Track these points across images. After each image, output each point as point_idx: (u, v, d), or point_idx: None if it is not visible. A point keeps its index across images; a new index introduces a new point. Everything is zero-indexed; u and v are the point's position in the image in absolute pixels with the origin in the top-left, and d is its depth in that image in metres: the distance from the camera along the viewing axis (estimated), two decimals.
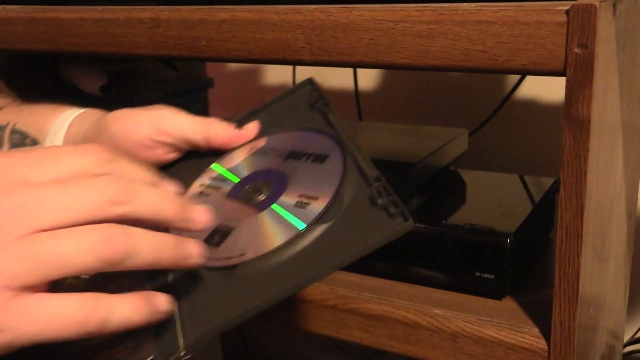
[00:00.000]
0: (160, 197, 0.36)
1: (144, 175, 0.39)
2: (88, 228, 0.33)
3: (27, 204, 0.33)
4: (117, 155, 0.38)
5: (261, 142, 0.50)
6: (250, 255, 0.42)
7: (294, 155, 0.48)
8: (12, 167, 0.35)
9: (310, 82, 0.52)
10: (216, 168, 0.50)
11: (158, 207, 0.36)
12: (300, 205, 0.43)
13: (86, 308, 0.33)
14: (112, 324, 0.34)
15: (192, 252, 0.38)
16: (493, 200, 0.66)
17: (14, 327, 0.32)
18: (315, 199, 0.43)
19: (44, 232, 0.33)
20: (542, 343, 0.49)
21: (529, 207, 0.61)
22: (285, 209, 0.44)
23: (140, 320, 0.35)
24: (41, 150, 0.37)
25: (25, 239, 0.33)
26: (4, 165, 0.35)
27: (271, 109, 0.53)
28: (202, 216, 0.39)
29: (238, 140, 0.50)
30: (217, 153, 0.51)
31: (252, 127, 0.51)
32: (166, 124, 0.50)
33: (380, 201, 0.41)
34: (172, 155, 0.52)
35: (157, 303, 0.37)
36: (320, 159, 0.46)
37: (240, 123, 0.51)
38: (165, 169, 0.51)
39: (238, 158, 0.50)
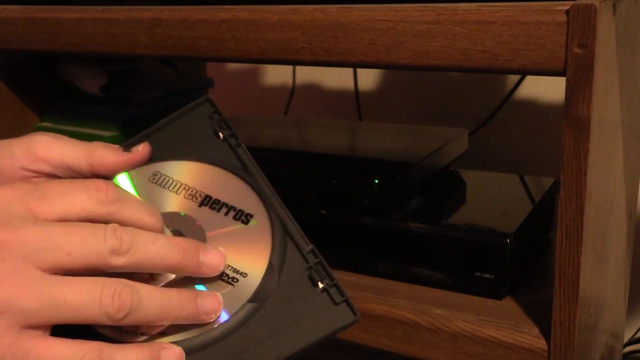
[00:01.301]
0: (163, 244, 0.36)
1: (149, 218, 0.38)
2: (98, 281, 0.34)
3: (31, 242, 0.34)
4: (122, 194, 0.38)
5: (161, 168, 0.44)
6: (172, 335, 0.37)
7: (210, 203, 0.41)
8: (18, 199, 0.36)
9: (207, 100, 0.46)
10: None
11: (161, 256, 0.36)
12: (227, 279, 0.38)
13: (86, 358, 0.33)
14: None
15: (206, 307, 0.37)
16: (493, 200, 0.66)
17: None
18: (244, 275, 0.38)
19: (56, 276, 0.34)
20: (542, 343, 0.48)
21: (529, 207, 0.61)
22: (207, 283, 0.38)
23: None
24: (49, 183, 0.37)
25: (37, 280, 0.33)
26: (10, 197, 0.36)
27: (166, 131, 0.46)
28: (213, 260, 0.38)
29: (127, 165, 0.44)
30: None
31: (141, 149, 0.45)
32: (42, 151, 0.44)
33: (321, 283, 0.38)
34: None
35: (164, 357, 0.36)
36: (243, 217, 0.40)
37: (128, 146, 0.45)
38: None
39: (135, 186, 0.44)
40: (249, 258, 0.39)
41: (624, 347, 0.85)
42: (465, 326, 0.51)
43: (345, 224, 0.60)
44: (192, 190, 0.42)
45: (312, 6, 0.51)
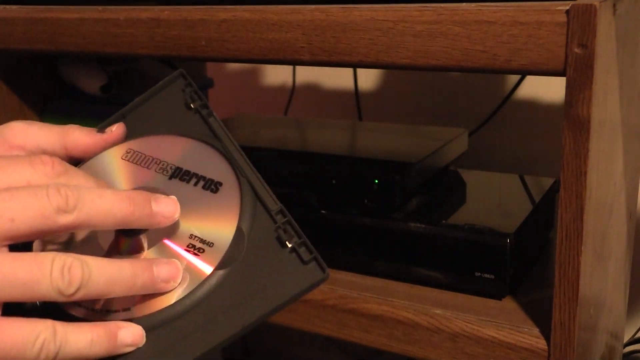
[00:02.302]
0: (110, 197, 0.35)
1: (96, 184, 0.38)
2: (47, 256, 0.33)
3: None
4: (68, 167, 0.37)
5: (134, 145, 0.44)
6: (136, 312, 0.36)
7: (180, 175, 0.41)
8: None
9: (181, 74, 0.46)
10: None
11: (109, 209, 0.35)
12: (194, 249, 0.38)
13: (40, 338, 0.33)
14: (66, 356, 0.33)
15: (163, 275, 0.36)
16: (493, 200, 0.66)
17: None
18: (210, 244, 0.38)
19: (5, 252, 0.33)
20: (542, 343, 0.49)
21: (529, 207, 0.61)
22: (178, 247, 0.38)
23: (98, 353, 0.34)
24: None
25: None
26: None
27: (140, 110, 0.46)
28: (167, 207, 0.37)
29: (101, 145, 0.44)
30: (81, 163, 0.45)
31: (115, 129, 0.44)
32: (16, 137, 0.43)
33: (289, 243, 0.37)
34: None
35: (122, 336, 0.35)
36: (212, 186, 0.40)
37: (103, 127, 0.45)
38: None
39: (108, 164, 0.43)
40: (217, 226, 0.38)
41: (624, 347, 0.85)
42: (465, 326, 0.51)
43: (345, 224, 0.60)
44: (162, 164, 0.42)
45: (312, 6, 0.51)
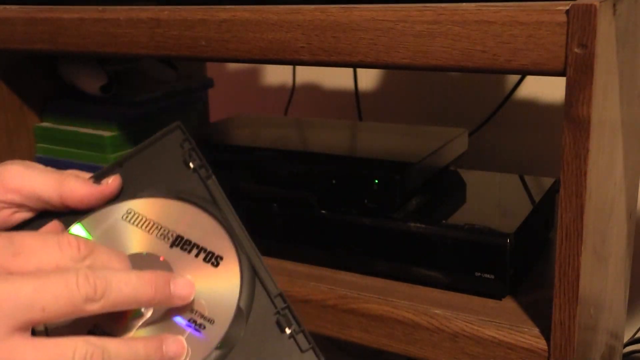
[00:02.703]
0: (135, 283, 0.37)
1: (120, 265, 0.39)
2: (69, 345, 0.34)
3: (6, 299, 0.34)
4: (92, 248, 0.38)
5: (135, 206, 0.43)
6: None
7: (181, 244, 0.41)
8: None
9: (178, 127, 0.45)
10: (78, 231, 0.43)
11: (134, 295, 0.37)
12: (195, 326, 0.38)
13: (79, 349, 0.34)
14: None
15: (171, 353, 0.38)
16: (493, 200, 0.66)
17: None
18: (211, 322, 0.38)
19: (28, 340, 0.34)
20: (542, 343, 0.48)
21: (529, 207, 0.61)
22: (181, 321, 0.39)
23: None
24: (23, 237, 0.37)
25: (7, 344, 0.33)
26: None
27: (137, 160, 0.46)
28: (183, 291, 0.39)
29: (97, 198, 0.44)
30: (76, 213, 0.44)
31: (111, 182, 0.44)
32: (13, 181, 0.43)
33: (288, 329, 0.37)
34: (22, 215, 0.45)
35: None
36: (213, 259, 0.40)
37: (99, 177, 0.45)
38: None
39: (108, 224, 0.43)
40: (217, 303, 0.39)
41: (624, 347, 0.85)
42: (465, 326, 0.51)
43: (345, 224, 0.60)
44: (164, 230, 0.42)
45: (312, 6, 0.51)
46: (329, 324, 0.57)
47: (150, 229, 0.42)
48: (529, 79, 0.89)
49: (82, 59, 0.80)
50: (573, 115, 0.42)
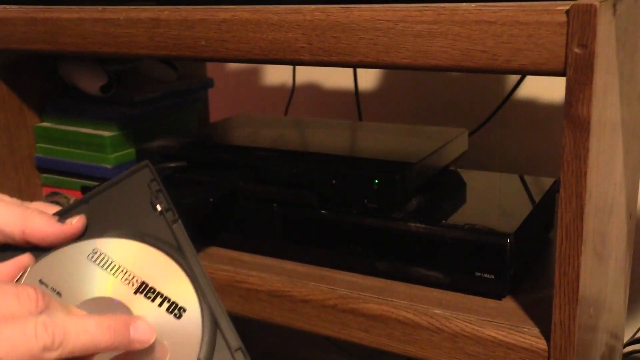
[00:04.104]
0: (93, 331, 0.37)
1: (77, 316, 0.39)
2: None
3: None
4: (51, 303, 0.37)
5: (101, 245, 0.43)
6: None
7: (145, 291, 0.41)
8: None
9: (147, 165, 0.44)
10: (35, 275, 0.42)
11: (92, 342, 0.37)
12: None
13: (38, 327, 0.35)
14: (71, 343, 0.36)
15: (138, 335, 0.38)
16: (493, 200, 0.66)
17: None
18: None
19: None
20: (542, 343, 0.48)
21: (529, 207, 0.61)
22: None
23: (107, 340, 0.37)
24: None
25: None
26: None
27: (104, 197, 0.45)
28: (144, 336, 0.38)
29: (59, 237, 0.43)
30: (38, 249, 0.44)
31: (75, 222, 0.44)
32: None
33: None
34: None
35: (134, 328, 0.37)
36: (176, 311, 0.40)
37: (64, 214, 0.44)
38: None
39: (73, 263, 0.42)
40: (178, 356, 0.38)
41: (624, 347, 0.85)
42: (465, 326, 0.51)
43: (345, 224, 0.60)
44: (128, 275, 0.41)
45: (312, 6, 0.51)
46: (329, 324, 0.57)
47: (116, 272, 0.41)
48: (529, 79, 0.89)
49: (82, 59, 0.80)
50: (573, 115, 0.42)
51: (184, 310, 0.39)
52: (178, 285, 0.40)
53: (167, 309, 0.40)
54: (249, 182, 0.64)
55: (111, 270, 0.41)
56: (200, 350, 0.38)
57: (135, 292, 0.40)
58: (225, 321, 0.39)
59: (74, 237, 0.44)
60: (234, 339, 0.39)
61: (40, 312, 0.37)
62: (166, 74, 0.88)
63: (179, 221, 0.43)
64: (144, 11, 0.58)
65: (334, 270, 0.61)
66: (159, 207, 0.43)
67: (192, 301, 0.40)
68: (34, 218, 0.43)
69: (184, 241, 0.42)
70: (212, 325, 0.39)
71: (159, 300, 0.40)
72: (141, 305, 0.40)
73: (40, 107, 0.83)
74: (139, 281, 0.41)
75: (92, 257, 0.42)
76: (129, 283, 0.41)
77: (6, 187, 0.79)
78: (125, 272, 0.41)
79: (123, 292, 0.41)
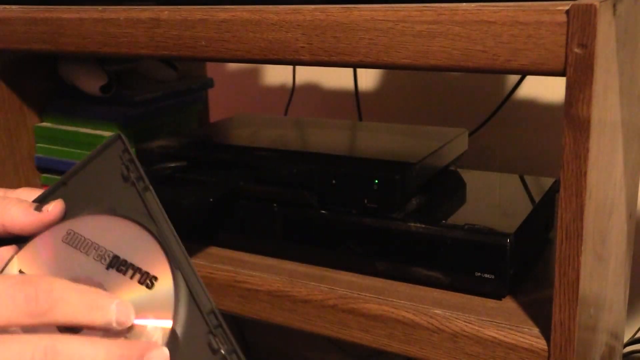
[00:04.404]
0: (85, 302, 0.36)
1: (88, 317, 0.37)
2: (26, 341, 0.33)
3: None
4: (56, 297, 0.36)
5: (75, 226, 0.42)
6: None
7: (117, 265, 0.40)
8: None
9: (119, 137, 0.43)
10: (14, 267, 0.42)
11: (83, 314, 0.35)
12: None
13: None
14: None
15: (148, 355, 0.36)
16: (493, 200, 0.66)
17: None
18: None
19: None
20: (542, 343, 0.48)
21: (529, 207, 0.61)
22: None
23: None
24: None
25: None
26: None
27: (81, 177, 0.44)
28: (123, 317, 0.37)
29: (38, 226, 0.43)
30: (18, 239, 0.43)
31: (52, 209, 0.43)
32: None
33: (222, 350, 0.36)
34: None
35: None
36: (148, 280, 0.39)
37: (44, 200, 0.43)
38: None
39: (50, 246, 0.42)
40: (152, 327, 0.38)
41: (624, 347, 0.85)
42: (465, 326, 0.51)
43: (345, 224, 0.60)
44: (101, 250, 0.41)
45: (312, 6, 0.51)
46: (329, 324, 0.57)
47: (88, 250, 0.41)
48: (529, 79, 0.89)
49: (82, 59, 0.80)
50: (573, 115, 0.42)
51: (156, 279, 0.39)
52: (149, 254, 0.40)
53: (139, 280, 0.39)
54: (249, 182, 0.64)
55: (84, 249, 0.41)
56: (173, 320, 0.38)
57: (108, 268, 0.40)
58: (198, 285, 0.38)
59: (53, 224, 0.43)
60: (207, 302, 0.38)
61: (42, 314, 0.35)
62: (166, 74, 0.88)
63: (151, 189, 0.42)
64: (144, 11, 0.58)
65: (334, 270, 0.61)
66: (129, 178, 0.42)
67: (164, 269, 0.39)
68: (10, 209, 0.43)
69: (155, 208, 0.41)
70: (185, 291, 0.38)
71: (130, 272, 0.39)
72: (114, 281, 0.39)
73: (40, 107, 0.83)
74: (111, 255, 0.40)
75: (67, 238, 0.42)
76: (101, 259, 0.40)
77: (6, 187, 0.79)
78: (98, 248, 0.41)
79: (96, 270, 0.40)
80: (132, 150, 0.43)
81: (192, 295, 0.38)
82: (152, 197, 0.41)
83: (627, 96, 0.56)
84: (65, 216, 0.43)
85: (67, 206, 0.43)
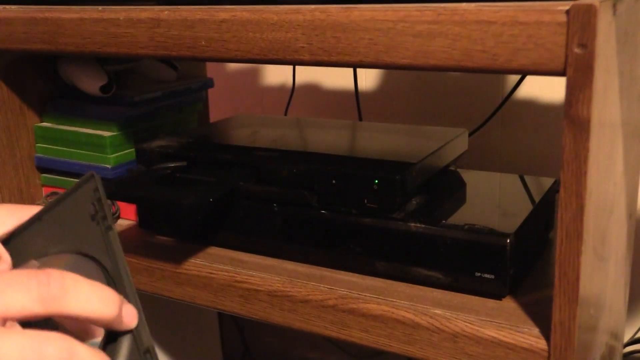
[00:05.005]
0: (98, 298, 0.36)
1: (98, 305, 0.37)
2: (34, 336, 0.33)
3: None
4: (68, 283, 0.36)
5: (42, 263, 0.42)
6: None
7: None
8: None
9: (92, 176, 0.43)
10: None
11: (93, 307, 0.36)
12: None
13: None
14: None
15: None
16: (493, 200, 0.66)
17: None
18: None
19: None
20: (542, 343, 0.49)
21: (529, 207, 0.61)
22: None
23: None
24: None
25: None
26: None
27: (54, 214, 0.44)
28: (130, 319, 0.38)
29: None
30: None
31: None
32: None
33: None
34: None
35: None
36: None
37: (17, 235, 0.43)
38: None
39: None
40: None
41: (624, 347, 0.85)
42: (465, 326, 0.51)
43: (345, 224, 0.60)
44: None
45: (312, 6, 0.51)
46: (328, 324, 0.57)
47: None
48: (529, 79, 0.89)
49: (82, 59, 0.80)
50: (573, 115, 0.42)
51: None
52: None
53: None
54: (249, 182, 0.64)
55: None
56: (115, 354, 0.38)
57: None
58: (142, 322, 0.39)
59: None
60: (146, 340, 0.38)
61: (54, 298, 0.35)
62: (166, 74, 0.88)
63: (113, 228, 0.42)
64: (144, 11, 0.58)
65: (334, 270, 0.61)
66: (96, 217, 0.42)
67: None
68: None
69: (114, 248, 0.41)
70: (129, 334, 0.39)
71: None
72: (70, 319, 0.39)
73: (40, 107, 0.83)
74: None
75: None
76: None
77: (6, 187, 0.79)
78: None
79: None
80: (102, 190, 0.43)
81: (133, 332, 0.39)
82: (114, 236, 0.42)
83: (627, 96, 0.55)
84: (35, 252, 0.43)
85: (39, 243, 0.43)
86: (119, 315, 0.37)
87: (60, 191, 0.82)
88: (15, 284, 0.34)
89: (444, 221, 0.57)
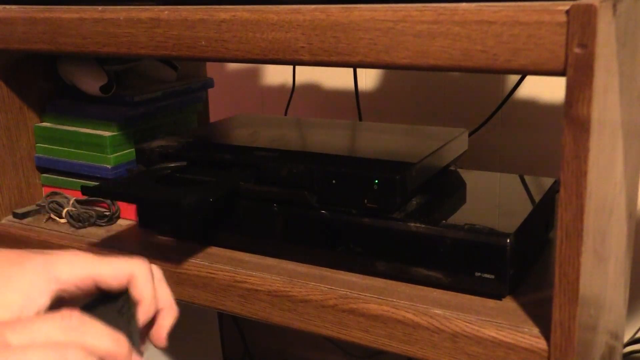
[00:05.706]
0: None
1: (110, 344, 0.39)
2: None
3: None
4: (85, 322, 0.39)
5: None
6: None
7: None
8: None
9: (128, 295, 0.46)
10: None
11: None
12: None
13: None
14: None
15: None
16: (493, 200, 0.66)
17: None
18: None
19: None
20: (542, 343, 0.48)
21: (529, 207, 0.61)
22: None
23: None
24: (26, 318, 0.39)
25: None
26: None
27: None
28: None
29: None
30: None
31: None
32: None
33: None
34: None
35: None
36: None
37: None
38: None
39: None
40: None
41: (624, 347, 0.85)
42: (465, 326, 0.51)
43: (345, 224, 0.60)
44: None
45: (312, 6, 0.51)
46: (328, 324, 0.57)
47: None
48: (529, 79, 0.89)
49: (82, 59, 0.80)
50: (573, 115, 0.42)
51: None
52: None
53: None
54: (249, 182, 0.64)
55: None
56: None
57: None
58: None
59: None
60: None
61: (74, 329, 0.38)
62: (166, 74, 0.88)
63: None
64: (144, 11, 0.58)
65: (334, 270, 0.61)
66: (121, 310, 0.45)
67: None
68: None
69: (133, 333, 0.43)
70: None
71: None
72: None
73: (40, 107, 0.83)
74: None
75: None
76: None
77: (6, 187, 0.79)
78: None
79: None
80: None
81: None
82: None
83: (627, 96, 0.55)
84: None
85: None
86: (130, 356, 0.40)
87: (61, 191, 0.82)
88: (45, 320, 0.38)
89: (444, 221, 0.57)
